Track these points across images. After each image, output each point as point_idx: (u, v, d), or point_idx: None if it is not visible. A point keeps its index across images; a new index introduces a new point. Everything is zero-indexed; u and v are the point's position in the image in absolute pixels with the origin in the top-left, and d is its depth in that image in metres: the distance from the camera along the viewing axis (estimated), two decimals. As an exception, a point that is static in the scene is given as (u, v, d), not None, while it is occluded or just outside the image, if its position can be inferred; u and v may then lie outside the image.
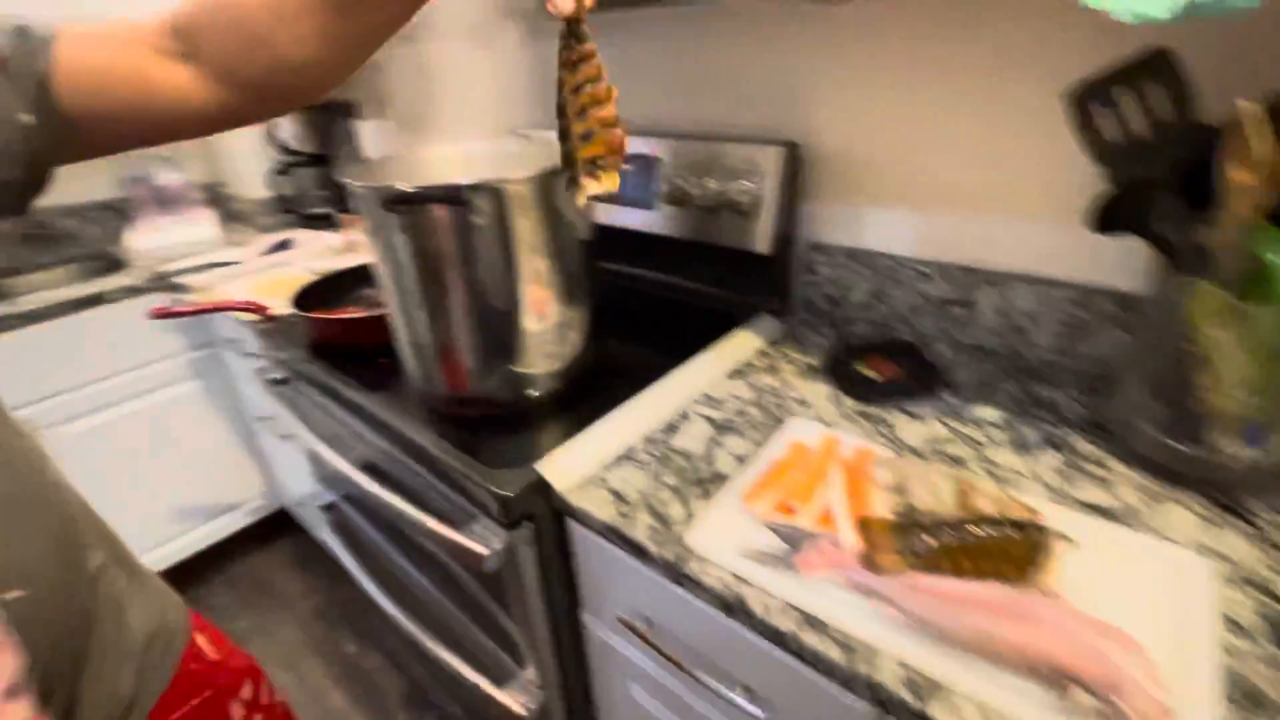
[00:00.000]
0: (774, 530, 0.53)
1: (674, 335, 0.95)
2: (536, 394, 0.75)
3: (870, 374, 0.78)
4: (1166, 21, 0.41)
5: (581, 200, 0.46)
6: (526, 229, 0.66)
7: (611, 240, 1.06)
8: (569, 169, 0.46)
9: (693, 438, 0.70)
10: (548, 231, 0.68)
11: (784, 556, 0.51)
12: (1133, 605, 0.46)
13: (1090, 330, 0.75)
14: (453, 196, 0.59)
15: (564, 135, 0.45)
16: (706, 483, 0.62)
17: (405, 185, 0.59)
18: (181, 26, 0.43)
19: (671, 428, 0.72)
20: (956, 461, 0.63)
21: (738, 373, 0.83)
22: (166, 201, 1.73)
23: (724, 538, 0.55)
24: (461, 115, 1.27)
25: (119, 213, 1.81)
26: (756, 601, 0.49)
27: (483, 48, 1.23)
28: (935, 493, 0.54)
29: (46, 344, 1.32)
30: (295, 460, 1.46)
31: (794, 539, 0.52)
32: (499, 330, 0.70)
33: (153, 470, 1.52)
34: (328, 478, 1.18)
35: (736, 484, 0.61)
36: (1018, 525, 0.47)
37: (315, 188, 1.60)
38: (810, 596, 0.48)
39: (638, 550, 0.57)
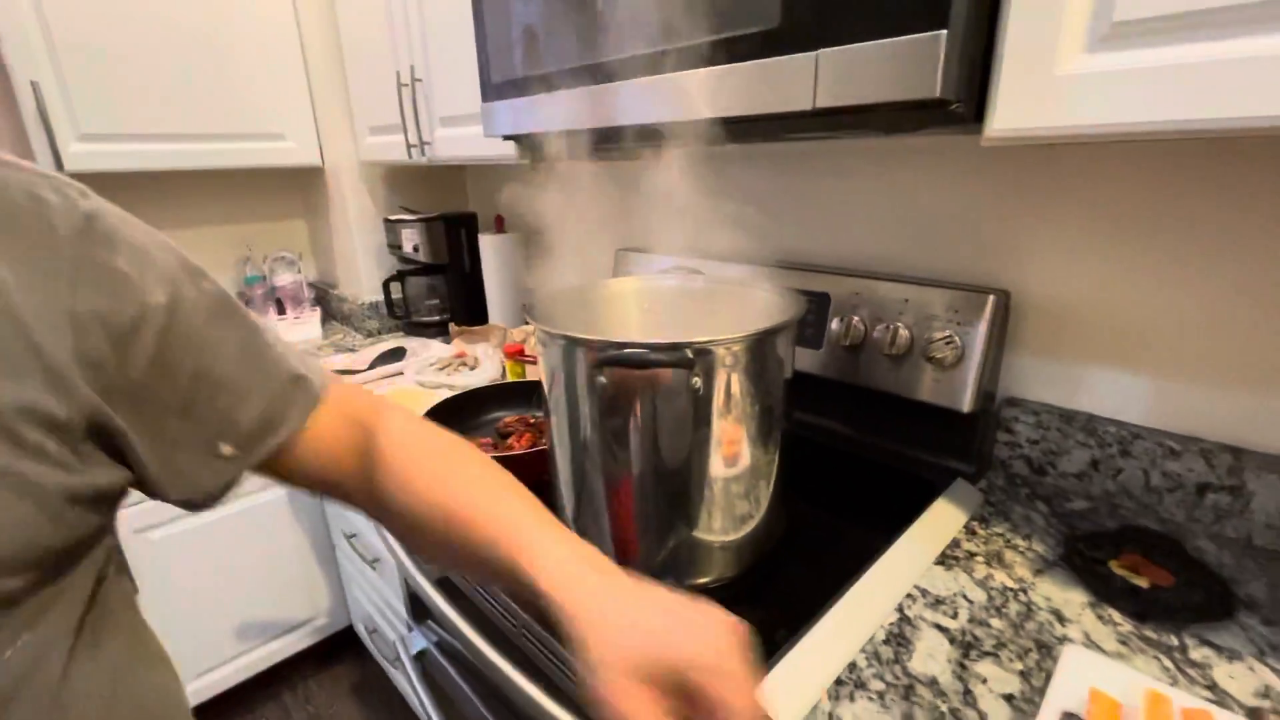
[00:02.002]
0: None
1: (853, 495, 0.82)
2: (716, 578, 0.63)
3: (1133, 578, 0.62)
4: None
5: None
6: (735, 385, 0.57)
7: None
8: None
9: (931, 658, 0.55)
10: (752, 385, 0.59)
11: None
12: None
13: None
14: (678, 359, 0.50)
15: None
16: (980, 739, 0.47)
17: (628, 345, 0.50)
18: (382, 473, 0.43)
19: (898, 639, 0.57)
20: (1330, 740, 0.46)
21: (951, 558, 0.68)
22: (279, 299, 1.75)
23: None
24: (586, 234, 1.24)
25: (232, 308, 1.84)
26: None
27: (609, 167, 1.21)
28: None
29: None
30: (379, 586, 1.35)
31: None
32: (683, 487, 0.59)
33: (226, 582, 1.43)
34: (421, 619, 1.06)
35: (1034, 753, 0.45)
36: None
37: (426, 296, 1.59)
38: None
39: None
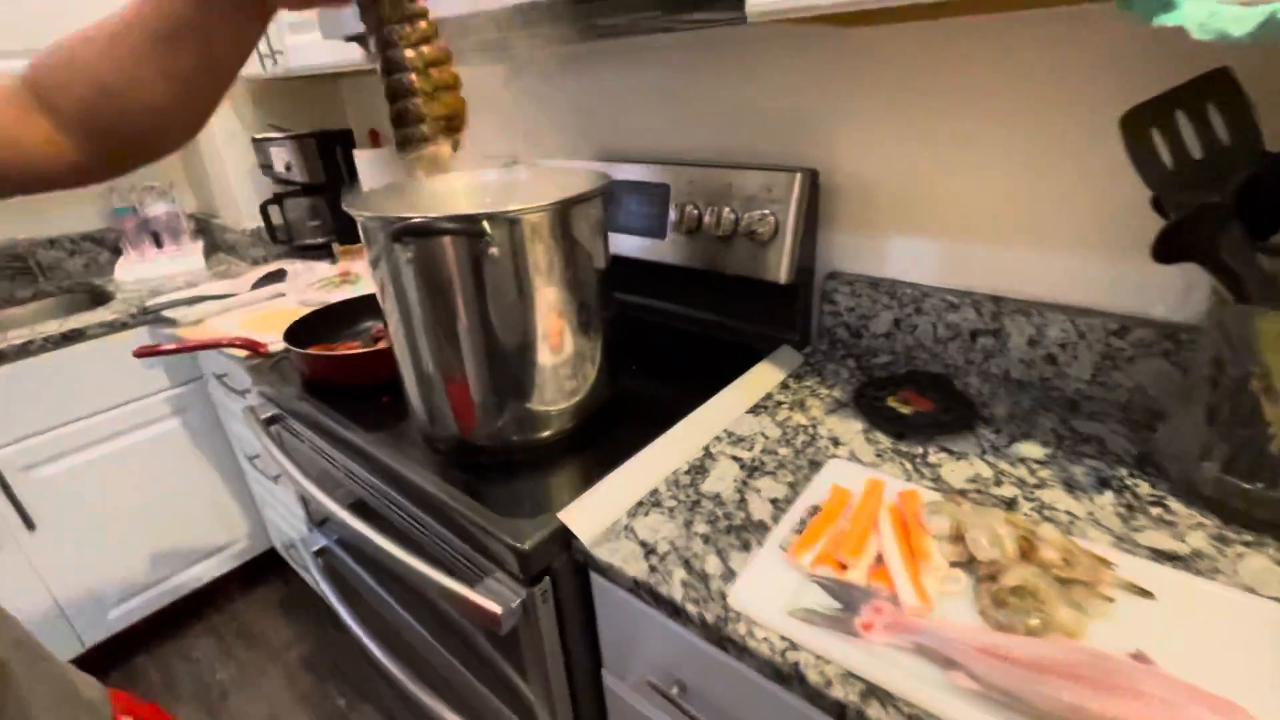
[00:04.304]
0: (826, 588, 0.49)
1: (690, 368, 0.91)
2: (552, 434, 0.71)
3: (902, 408, 0.74)
4: (1244, 40, 0.39)
5: (422, 162, 0.45)
6: (542, 259, 0.63)
7: (623, 270, 1.02)
8: (410, 125, 0.44)
9: (722, 480, 0.65)
10: (563, 261, 0.64)
11: (840, 617, 0.47)
12: (1231, 669, 0.41)
13: (1128, 360, 0.72)
14: (469, 228, 0.55)
15: (404, 91, 0.44)
16: (742, 531, 0.58)
17: (418, 215, 0.55)
18: (37, 80, 0.43)
19: (698, 469, 0.67)
20: (1008, 505, 0.59)
21: (760, 408, 0.78)
22: (155, 233, 1.68)
23: (769, 596, 0.50)
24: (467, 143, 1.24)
25: (104, 244, 1.76)
26: (812, 669, 0.45)
27: (487, 76, 1.21)
28: (997, 543, 0.49)
29: (24, 382, 1.25)
30: (286, 500, 1.39)
31: (850, 598, 0.47)
32: (511, 365, 0.66)
33: (134, 512, 1.44)
34: (321, 522, 1.12)
35: (777, 534, 0.56)
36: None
37: (309, 218, 1.56)
38: (874, 663, 0.44)
39: (673, 609, 0.52)
